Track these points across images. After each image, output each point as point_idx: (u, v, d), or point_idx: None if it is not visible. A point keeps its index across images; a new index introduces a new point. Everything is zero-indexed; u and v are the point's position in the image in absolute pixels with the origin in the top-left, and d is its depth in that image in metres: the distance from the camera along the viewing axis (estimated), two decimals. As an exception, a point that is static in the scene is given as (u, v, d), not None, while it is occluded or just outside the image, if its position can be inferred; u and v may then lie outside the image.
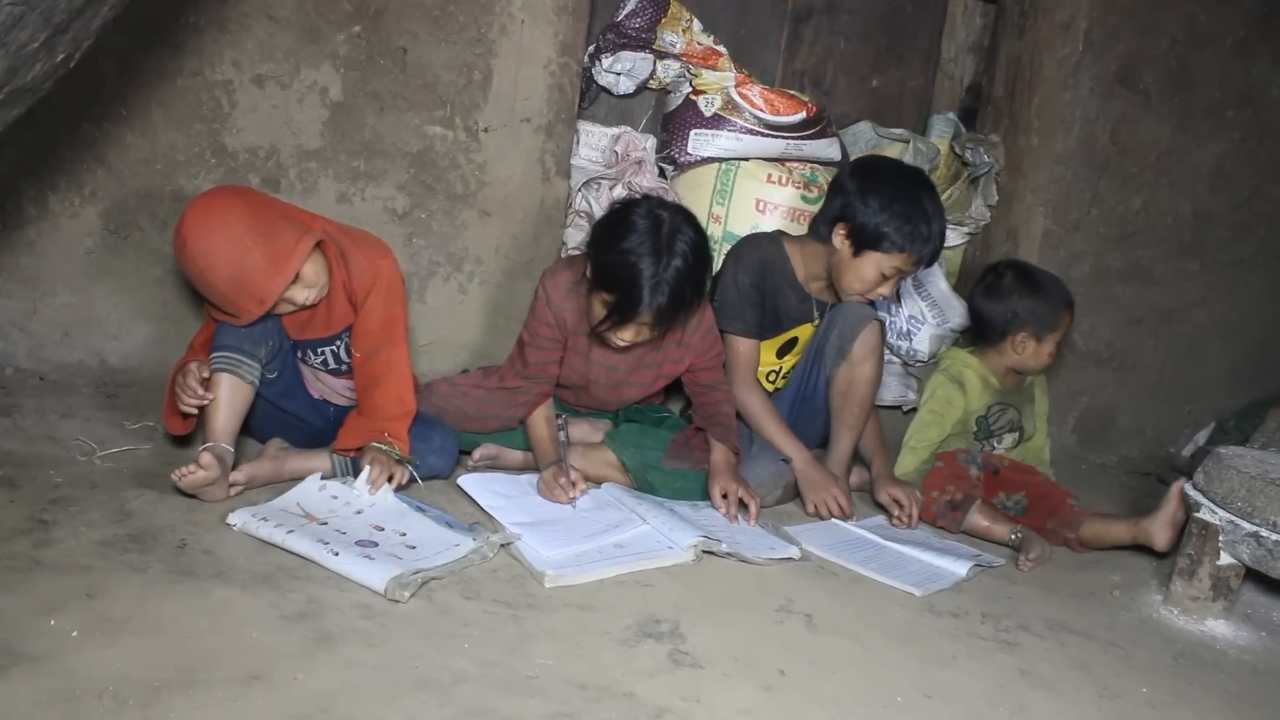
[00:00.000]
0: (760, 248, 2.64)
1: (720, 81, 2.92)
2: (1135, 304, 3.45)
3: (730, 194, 2.91)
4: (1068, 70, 3.19)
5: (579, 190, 2.91)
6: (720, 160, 2.91)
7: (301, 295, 2.07)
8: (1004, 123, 3.39)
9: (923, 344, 3.17)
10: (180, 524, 1.89)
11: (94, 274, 2.52)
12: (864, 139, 3.25)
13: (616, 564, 2.01)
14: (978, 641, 1.97)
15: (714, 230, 2.89)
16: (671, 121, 2.97)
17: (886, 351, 3.13)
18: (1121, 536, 2.50)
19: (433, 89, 2.65)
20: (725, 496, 2.35)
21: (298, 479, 2.14)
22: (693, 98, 2.92)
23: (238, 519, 1.91)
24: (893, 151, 3.20)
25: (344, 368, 2.28)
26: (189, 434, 2.13)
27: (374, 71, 2.60)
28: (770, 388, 2.73)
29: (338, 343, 2.24)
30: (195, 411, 2.05)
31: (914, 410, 3.06)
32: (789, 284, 2.63)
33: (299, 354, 2.26)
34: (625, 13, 2.96)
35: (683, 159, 2.91)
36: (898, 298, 3.08)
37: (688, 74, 2.96)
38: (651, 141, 3.02)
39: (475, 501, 2.21)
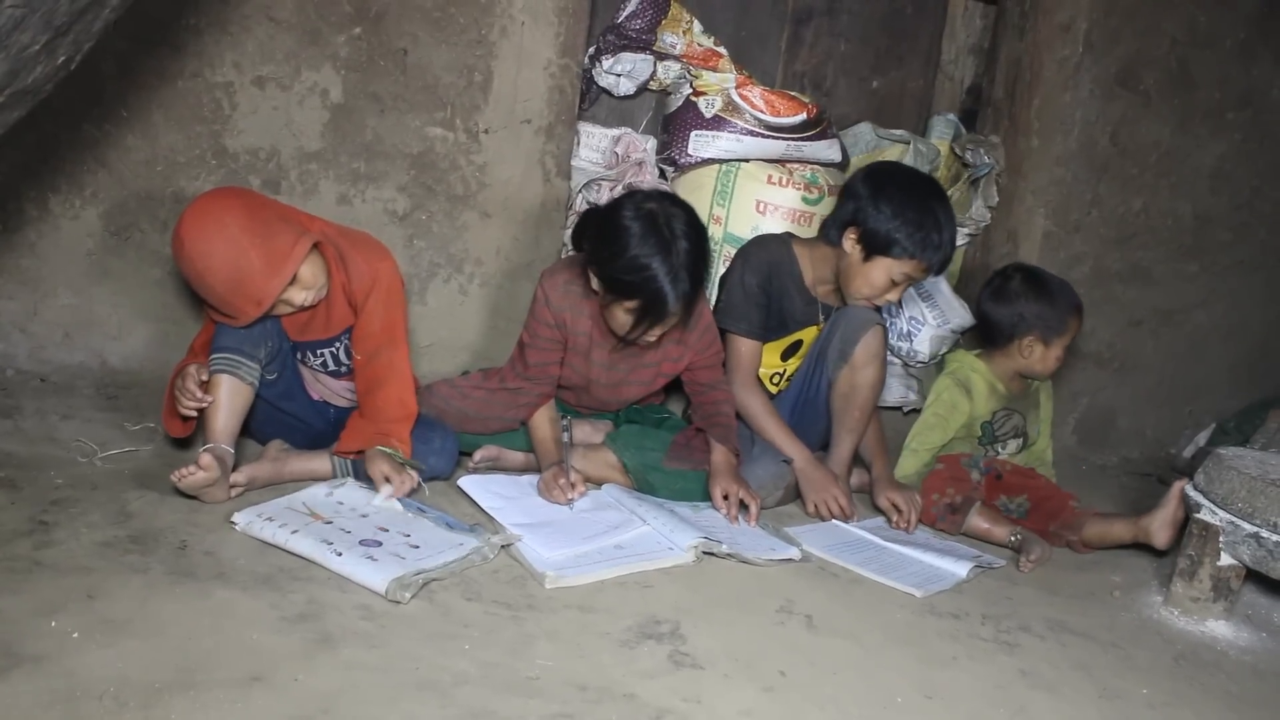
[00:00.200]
0: (769, 249, 2.64)
1: (721, 83, 2.92)
2: (1135, 305, 3.45)
3: (731, 195, 2.91)
4: (1068, 72, 3.19)
5: (579, 191, 2.91)
6: (721, 161, 2.91)
7: (299, 297, 2.07)
8: (1004, 124, 3.39)
9: (923, 345, 3.17)
10: (181, 525, 1.89)
11: (95, 275, 2.52)
12: (864, 140, 3.26)
13: (617, 565, 2.01)
14: (978, 642, 1.97)
15: (714, 231, 2.89)
16: (672, 123, 2.97)
17: (888, 353, 3.13)
18: (1122, 535, 2.50)
19: (433, 91, 2.65)
20: (726, 497, 2.35)
21: (298, 480, 2.15)
22: (693, 99, 2.92)
23: (242, 519, 1.91)
24: (893, 153, 3.20)
25: (343, 369, 2.28)
26: (189, 436, 2.13)
27: (374, 73, 2.60)
28: (774, 390, 2.73)
29: (337, 344, 2.24)
30: (195, 415, 2.06)
31: (915, 411, 3.06)
32: (795, 286, 2.62)
33: (299, 355, 2.26)
34: (626, 14, 2.96)
35: (683, 160, 2.91)
36: (899, 300, 3.08)
37: (688, 75, 2.96)
38: (652, 143, 3.03)
39: (476, 503, 2.21)
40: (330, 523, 1.96)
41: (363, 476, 2.16)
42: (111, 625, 1.53)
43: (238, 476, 2.04)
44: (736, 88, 2.91)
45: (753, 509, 2.34)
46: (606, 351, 2.41)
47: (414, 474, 2.15)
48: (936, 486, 2.58)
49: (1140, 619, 2.23)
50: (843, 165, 3.08)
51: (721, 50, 3.02)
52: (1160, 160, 3.34)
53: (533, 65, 2.71)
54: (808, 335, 2.67)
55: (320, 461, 2.19)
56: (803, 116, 2.93)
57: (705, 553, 2.12)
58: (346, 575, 1.79)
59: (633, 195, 2.30)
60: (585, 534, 2.12)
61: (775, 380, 2.73)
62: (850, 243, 2.49)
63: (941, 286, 3.22)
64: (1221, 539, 2.20)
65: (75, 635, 1.49)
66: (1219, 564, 2.22)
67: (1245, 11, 3.30)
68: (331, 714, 1.42)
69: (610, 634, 1.77)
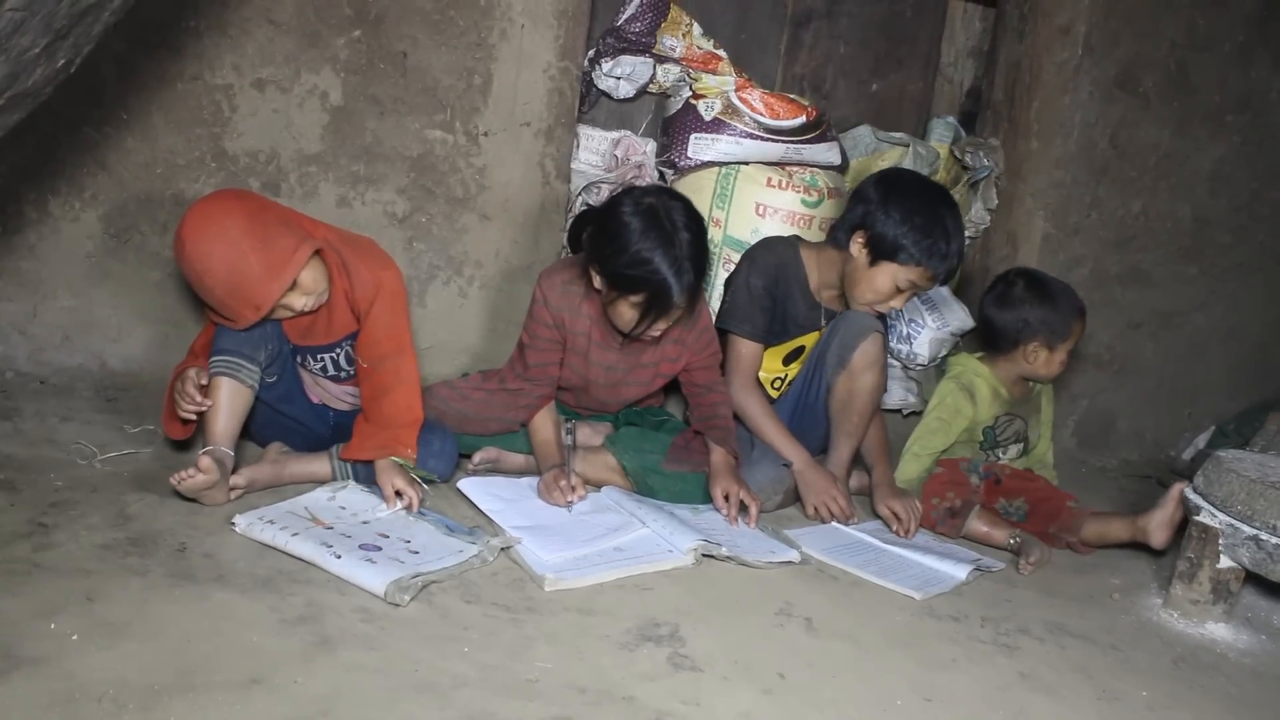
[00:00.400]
0: (776, 252, 2.63)
1: (720, 86, 2.93)
2: (1135, 308, 3.45)
3: (730, 198, 2.91)
4: (1067, 74, 3.19)
5: (579, 194, 2.91)
6: (720, 164, 2.92)
7: (300, 302, 2.07)
8: (1003, 127, 3.40)
9: (922, 347, 3.18)
10: (180, 528, 1.89)
11: (94, 277, 2.52)
12: (864, 143, 3.26)
13: (616, 567, 2.01)
14: (977, 645, 1.97)
15: (714, 234, 2.89)
16: (671, 125, 2.97)
17: (888, 357, 3.13)
18: (1120, 534, 2.51)
19: (433, 93, 2.65)
20: (727, 498, 2.35)
21: (298, 482, 2.15)
22: (693, 102, 2.92)
23: (242, 521, 1.91)
24: (892, 156, 3.20)
25: (344, 374, 2.28)
26: (189, 438, 2.13)
27: (374, 76, 2.60)
28: (775, 395, 2.72)
29: (338, 350, 2.24)
30: (194, 418, 2.06)
31: (915, 414, 3.06)
32: (800, 290, 2.62)
33: (299, 359, 2.26)
34: (625, 17, 2.97)
35: (682, 163, 2.92)
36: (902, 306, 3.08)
37: (688, 78, 2.96)
38: (651, 145, 3.03)
39: (475, 505, 2.21)
40: (331, 528, 1.96)
41: (363, 479, 2.16)
42: (111, 627, 1.53)
43: (237, 479, 2.04)
44: (736, 90, 2.92)
45: (752, 510, 2.34)
46: (605, 351, 2.41)
47: (422, 486, 2.15)
48: (936, 491, 2.58)
49: (1140, 621, 2.23)
50: (842, 168, 3.08)
51: (721, 53, 3.02)
52: (1159, 163, 3.35)
53: (532, 68, 2.71)
54: (810, 340, 2.67)
55: (320, 464, 2.19)
56: (802, 119, 2.93)
57: (705, 555, 2.12)
58: (345, 577, 1.79)
59: (630, 191, 2.30)
60: (585, 536, 2.12)
61: (777, 385, 2.73)
62: (857, 247, 2.49)
63: (941, 289, 3.22)
64: (1221, 541, 2.20)
65: (74, 637, 1.49)
66: (1218, 566, 2.22)
67: (1244, 14, 3.31)
68: (330, 716, 1.42)
69: (609, 636, 1.77)
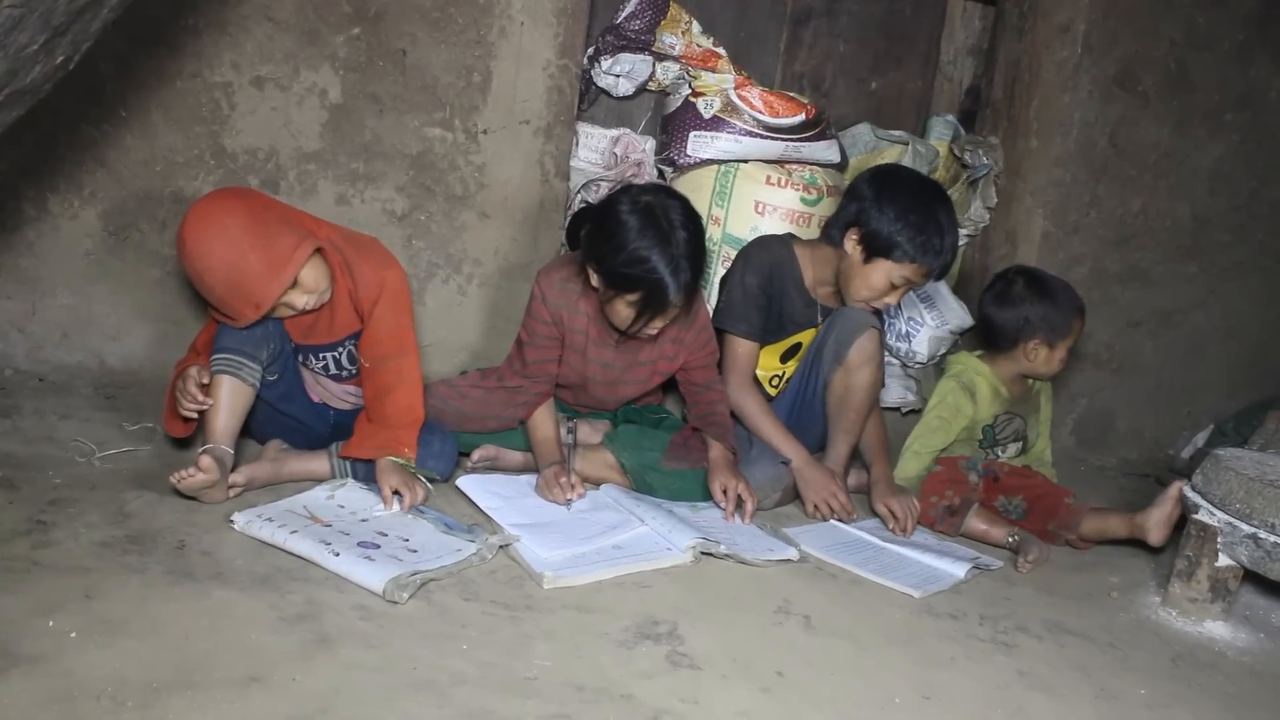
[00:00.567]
0: (770, 250, 2.64)
1: (719, 84, 2.92)
2: (1134, 306, 3.45)
3: (729, 196, 2.91)
4: (1067, 73, 3.19)
5: (578, 192, 2.91)
6: (719, 162, 2.91)
7: (301, 301, 2.07)
8: (1003, 125, 3.40)
9: (921, 346, 3.18)
10: (179, 525, 1.89)
11: (93, 275, 2.52)
12: (863, 141, 3.26)
13: (615, 565, 2.01)
14: (976, 643, 1.98)
15: (713, 232, 2.89)
16: (671, 123, 2.97)
17: (886, 354, 3.13)
18: (1119, 530, 2.51)
19: (432, 91, 2.65)
20: (725, 493, 2.35)
21: (296, 480, 2.15)
22: (692, 100, 2.92)
23: (241, 519, 1.91)
24: (891, 154, 3.20)
25: (345, 373, 2.28)
26: (189, 436, 2.13)
27: (373, 74, 2.60)
28: (773, 392, 2.73)
29: (340, 349, 2.24)
30: (195, 416, 2.06)
31: (914, 412, 3.07)
32: (796, 288, 2.62)
33: (301, 358, 2.26)
34: (625, 15, 2.96)
35: (682, 161, 2.91)
36: (898, 301, 3.08)
37: (687, 76, 2.96)
38: (651, 143, 3.03)
39: (474, 503, 2.21)
40: (330, 525, 1.96)
41: (362, 477, 2.16)
42: (109, 625, 1.53)
43: (236, 477, 2.04)
44: (735, 88, 2.91)
45: (748, 505, 2.34)
46: (603, 349, 2.41)
47: (425, 484, 2.14)
48: (935, 489, 2.58)
49: (1138, 620, 2.23)
50: (841, 166, 3.08)
51: (720, 51, 3.02)
52: (1159, 161, 3.35)
53: (531, 66, 2.71)
54: (806, 338, 2.67)
55: (319, 462, 2.19)
56: (801, 117, 2.93)
57: (703, 553, 2.12)
58: (344, 575, 1.79)
59: (628, 189, 2.30)
60: (583, 534, 2.12)
61: (775, 382, 2.73)
62: (851, 244, 2.49)
63: (940, 288, 3.22)
64: (1219, 540, 2.20)
65: (73, 635, 1.49)
66: (1217, 565, 2.22)
67: (1243, 13, 3.31)
68: (329, 714, 1.42)
69: (608, 634, 1.77)
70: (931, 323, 3.17)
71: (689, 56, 3.00)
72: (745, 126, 2.88)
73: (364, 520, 2.02)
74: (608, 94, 3.00)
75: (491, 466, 2.43)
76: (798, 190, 2.90)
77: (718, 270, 2.87)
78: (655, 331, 2.30)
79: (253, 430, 2.22)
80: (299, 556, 1.84)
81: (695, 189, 2.91)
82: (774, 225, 2.87)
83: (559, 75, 2.74)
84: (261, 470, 2.11)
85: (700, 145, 2.90)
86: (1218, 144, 3.40)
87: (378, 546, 1.89)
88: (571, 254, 2.46)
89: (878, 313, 2.61)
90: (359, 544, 1.89)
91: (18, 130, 1.79)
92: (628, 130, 3.03)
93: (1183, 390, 3.60)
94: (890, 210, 2.42)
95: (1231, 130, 3.40)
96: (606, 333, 2.38)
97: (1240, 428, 3.35)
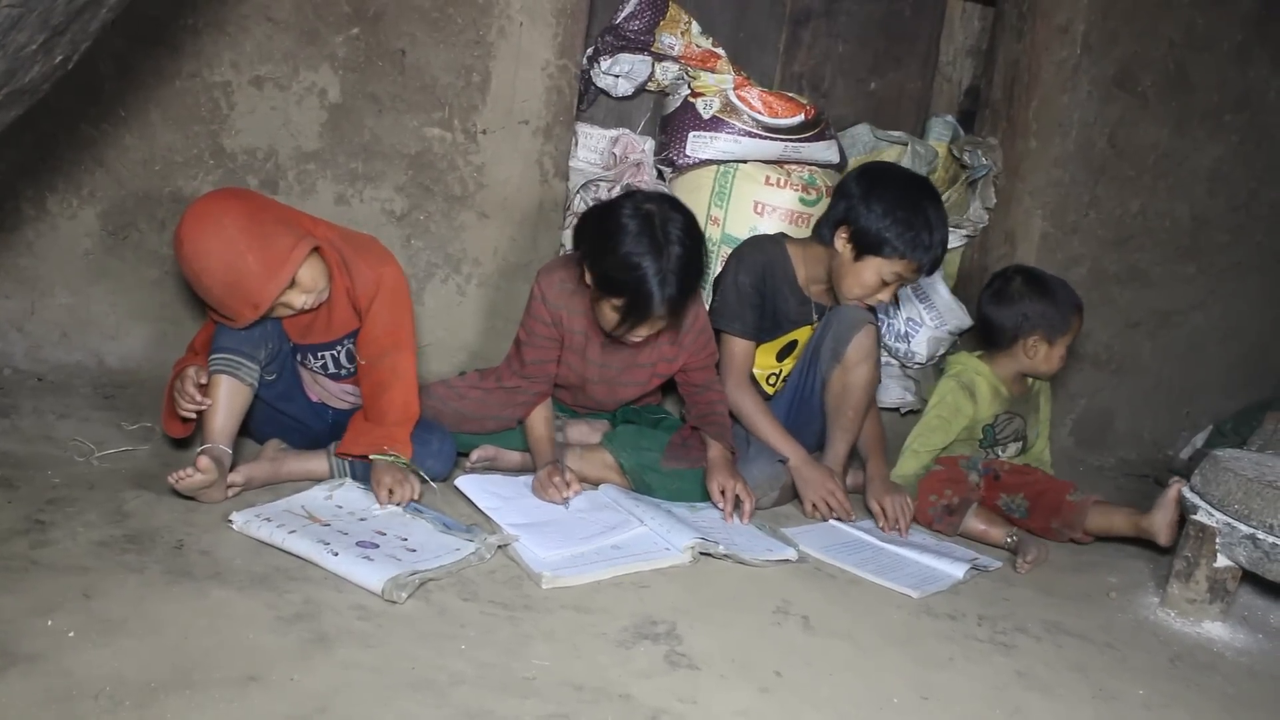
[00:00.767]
0: (762, 249, 2.65)
1: (719, 84, 2.92)
2: (1133, 307, 3.45)
3: (728, 196, 2.91)
4: (1066, 73, 3.19)
5: (577, 192, 2.91)
6: (719, 162, 2.91)
7: (299, 300, 2.07)
8: (1002, 125, 3.39)
9: (921, 346, 3.18)
10: (178, 525, 1.89)
11: (92, 275, 2.52)
12: (862, 141, 3.26)
13: (613, 565, 2.01)
14: (974, 643, 1.98)
15: (712, 232, 2.89)
16: (670, 124, 2.97)
17: (884, 354, 3.14)
18: (1124, 527, 2.51)
19: (431, 91, 2.65)
20: (723, 492, 2.35)
21: (295, 480, 2.15)
22: (691, 100, 2.92)
23: (239, 518, 1.91)
24: (891, 154, 3.20)
25: (344, 372, 2.28)
26: (188, 436, 2.13)
27: (372, 73, 2.60)
28: (770, 391, 2.73)
29: (338, 348, 2.24)
30: (194, 417, 2.06)
31: (913, 413, 3.07)
32: (789, 286, 2.63)
33: (299, 357, 2.26)
34: (624, 15, 2.96)
35: (681, 161, 2.92)
36: (896, 300, 3.09)
37: (686, 76, 2.96)
38: (650, 144, 3.03)
39: (473, 503, 2.21)
40: (328, 525, 1.96)
41: (361, 476, 2.16)
42: (108, 624, 1.53)
43: (235, 476, 2.04)
44: (734, 89, 2.91)
45: (746, 505, 2.34)
46: (601, 350, 2.41)
47: (417, 481, 2.14)
48: (934, 488, 2.58)
49: (1137, 620, 2.23)
50: (841, 166, 3.08)
51: (720, 51, 3.02)
52: (1158, 162, 3.35)
53: (531, 66, 2.71)
54: (802, 335, 2.68)
55: (318, 461, 2.19)
56: (801, 118, 2.93)
57: (702, 553, 2.12)
58: (343, 575, 1.79)
59: (634, 195, 2.30)
60: (582, 534, 2.12)
61: (771, 381, 2.73)
62: (842, 242, 2.50)
63: (939, 288, 3.22)
64: (1218, 540, 2.20)
65: (71, 634, 1.49)
66: (1215, 565, 2.22)
67: (1242, 14, 3.31)
68: (327, 713, 1.42)
69: (607, 634, 1.77)
70: (930, 323, 3.17)
71: (688, 57, 3.00)
72: (744, 127, 2.88)
73: (362, 520, 2.02)
74: (607, 94, 3.00)
75: (490, 467, 2.43)
76: (797, 191, 2.90)
77: (715, 270, 2.87)
78: (639, 339, 2.30)
79: (251, 430, 2.22)
80: (297, 556, 1.84)
81: (694, 189, 2.92)
82: (773, 225, 2.88)
83: (558, 75, 2.74)
84: (260, 470, 2.11)
85: (699, 145, 2.90)
86: (1217, 145, 3.40)
87: (376, 546, 1.89)
88: (571, 254, 2.46)
89: (872, 309, 2.62)
90: (357, 543, 1.89)
91: (16, 130, 1.79)
92: (627, 130, 3.03)
93: (1182, 391, 3.60)
94: (878, 207, 2.43)
95: (1230, 131, 3.41)
96: (602, 332, 2.38)
97: (1239, 428, 3.35)
